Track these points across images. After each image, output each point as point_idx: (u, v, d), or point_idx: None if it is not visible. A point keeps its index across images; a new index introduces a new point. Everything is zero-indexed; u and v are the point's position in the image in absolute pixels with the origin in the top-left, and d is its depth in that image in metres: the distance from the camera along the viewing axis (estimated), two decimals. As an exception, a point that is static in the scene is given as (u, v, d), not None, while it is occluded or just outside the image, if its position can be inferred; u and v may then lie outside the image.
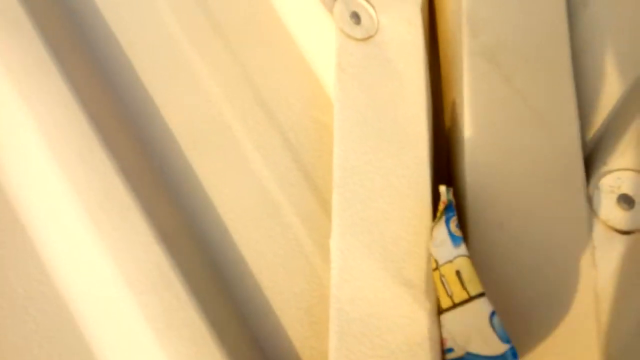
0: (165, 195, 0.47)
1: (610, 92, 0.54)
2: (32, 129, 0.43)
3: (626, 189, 0.48)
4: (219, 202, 0.49)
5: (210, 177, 0.50)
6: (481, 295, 0.40)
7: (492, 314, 0.38)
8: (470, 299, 0.41)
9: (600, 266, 0.47)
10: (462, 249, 0.42)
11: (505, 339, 0.37)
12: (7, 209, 0.44)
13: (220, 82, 0.53)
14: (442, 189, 0.48)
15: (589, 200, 0.49)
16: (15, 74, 0.44)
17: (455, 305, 0.43)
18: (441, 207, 0.48)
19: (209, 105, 0.52)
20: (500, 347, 0.37)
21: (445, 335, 0.44)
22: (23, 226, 0.43)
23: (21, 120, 0.43)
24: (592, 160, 0.51)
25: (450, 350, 0.43)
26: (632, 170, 0.48)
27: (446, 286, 0.44)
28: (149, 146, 0.49)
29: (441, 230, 0.46)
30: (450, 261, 0.43)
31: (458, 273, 0.42)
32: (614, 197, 0.48)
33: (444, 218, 0.47)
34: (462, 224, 0.53)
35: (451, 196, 0.48)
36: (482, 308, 0.39)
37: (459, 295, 0.42)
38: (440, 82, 0.66)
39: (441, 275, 0.44)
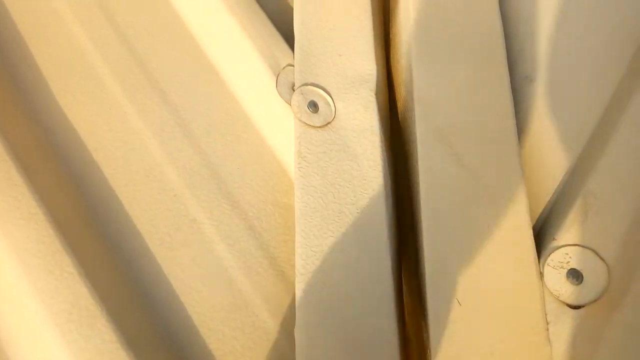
0: (133, 296, 0.49)
1: (558, 166, 0.57)
2: (1, 244, 0.45)
3: (574, 264, 0.50)
4: (186, 297, 0.51)
5: (178, 273, 0.52)
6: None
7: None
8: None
9: (555, 342, 0.49)
10: None
11: None
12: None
13: (185, 176, 0.56)
14: None
15: (541, 276, 0.51)
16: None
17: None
18: None
19: (174, 200, 0.55)
20: None
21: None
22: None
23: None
24: (542, 235, 0.54)
25: None
26: (579, 245, 0.50)
27: None
28: (116, 247, 0.51)
29: None
30: None
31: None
32: (564, 272, 0.50)
33: None
34: (422, 300, 0.55)
35: None
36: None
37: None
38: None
39: None
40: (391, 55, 0.73)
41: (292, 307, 0.53)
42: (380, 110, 0.62)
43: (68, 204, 0.50)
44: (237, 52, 0.61)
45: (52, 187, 0.50)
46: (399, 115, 0.68)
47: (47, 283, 0.44)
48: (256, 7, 0.63)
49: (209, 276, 0.52)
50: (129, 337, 0.45)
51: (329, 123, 0.60)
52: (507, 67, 0.60)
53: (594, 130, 0.57)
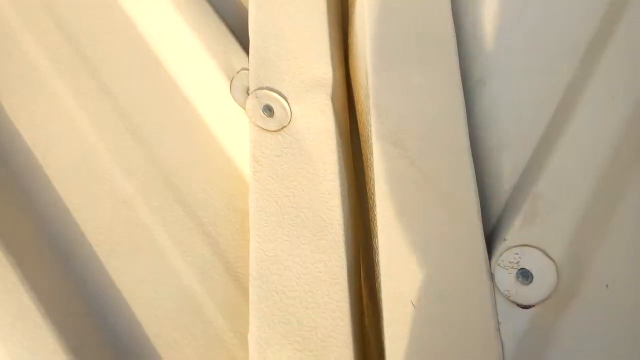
0: (82, 307, 0.48)
1: (509, 168, 0.58)
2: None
3: (524, 264, 0.51)
4: (137, 305, 0.50)
5: (128, 281, 0.51)
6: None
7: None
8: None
9: (506, 341, 0.49)
10: None
11: None
12: None
13: (136, 182, 0.55)
14: None
15: (492, 276, 0.52)
16: None
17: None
18: None
19: (125, 207, 0.54)
20: None
21: None
22: None
23: None
24: (494, 236, 0.54)
25: None
26: (529, 246, 0.51)
27: None
28: (64, 256, 0.50)
29: None
30: None
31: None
32: (514, 272, 0.51)
33: None
34: (377, 301, 0.55)
35: None
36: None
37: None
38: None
39: None
40: (350, 58, 0.74)
41: (247, 313, 0.53)
42: (337, 113, 0.62)
43: (13, 213, 0.49)
44: (190, 56, 0.60)
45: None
46: (357, 119, 0.69)
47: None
48: (210, 10, 0.63)
49: (162, 283, 0.51)
50: (75, 347, 0.44)
51: (284, 127, 0.59)
52: (459, 72, 0.61)
53: (543, 132, 0.58)
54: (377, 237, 0.56)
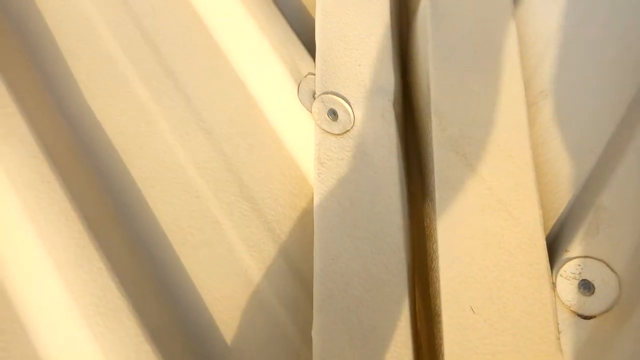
0: (156, 292, 0.51)
1: (571, 180, 0.58)
2: (34, 239, 0.47)
3: (586, 276, 0.51)
4: (207, 295, 0.53)
5: (199, 271, 0.53)
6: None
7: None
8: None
9: (566, 351, 0.50)
10: None
11: None
12: (10, 312, 0.47)
13: (208, 178, 0.58)
14: None
15: (553, 286, 0.52)
16: (17, 186, 0.49)
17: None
18: None
19: (197, 201, 0.56)
20: None
21: None
22: (24, 329, 0.47)
23: (24, 229, 0.47)
24: (555, 247, 0.55)
25: None
26: (591, 257, 0.52)
27: None
28: (141, 244, 0.53)
29: None
30: None
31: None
32: (576, 283, 0.51)
33: None
34: (436, 306, 0.56)
35: None
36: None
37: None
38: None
39: None
40: (410, 65, 0.75)
41: (309, 309, 0.55)
42: (397, 119, 0.63)
43: (97, 202, 0.52)
44: (260, 60, 0.63)
45: (82, 185, 0.51)
46: (416, 125, 0.70)
47: (76, 276, 0.46)
48: (279, 16, 0.65)
49: (229, 276, 0.54)
50: (152, 330, 0.46)
51: (347, 131, 0.61)
52: (522, 81, 0.62)
53: (606, 144, 0.58)
54: (436, 242, 0.57)
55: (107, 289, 0.46)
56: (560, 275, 0.52)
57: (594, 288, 0.51)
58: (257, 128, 0.63)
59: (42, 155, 0.50)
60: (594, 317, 0.51)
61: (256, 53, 0.64)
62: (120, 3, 0.63)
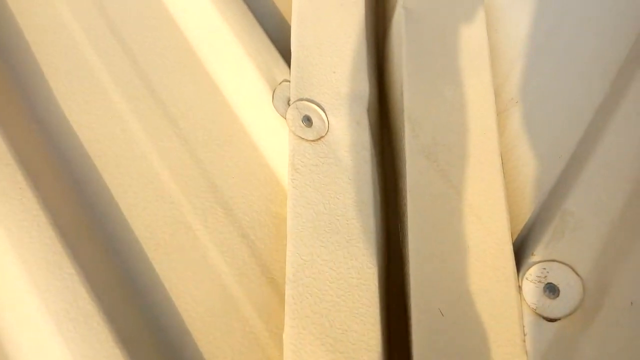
0: (129, 298, 0.51)
1: (539, 185, 0.60)
2: (5, 245, 0.47)
3: (552, 279, 0.53)
4: (180, 301, 0.53)
5: (172, 277, 0.54)
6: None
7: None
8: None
9: (531, 353, 0.51)
10: None
11: None
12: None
13: (182, 184, 0.59)
14: None
15: (519, 289, 0.54)
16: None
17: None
18: None
19: (171, 207, 0.57)
20: None
21: None
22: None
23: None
24: (522, 251, 0.56)
25: None
26: (556, 261, 0.53)
27: None
28: (114, 250, 0.53)
29: None
30: None
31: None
32: (541, 286, 0.53)
33: None
34: (406, 309, 0.57)
35: None
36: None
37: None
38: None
39: None
40: (385, 72, 0.76)
41: (282, 313, 0.55)
42: (371, 126, 0.64)
43: (69, 208, 0.52)
44: (236, 67, 0.64)
45: (54, 192, 0.52)
46: (391, 131, 0.71)
47: (47, 282, 0.46)
48: (255, 23, 0.66)
49: (203, 281, 0.54)
50: (123, 336, 0.47)
51: (322, 137, 0.62)
52: (492, 89, 0.63)
53: (573, 151, 0.60)
54: (407, 246, 0.58)
55: (78, 295, 0.47)
56: (526, 279, 0.53)
57: (559, 291, 0.52)
58: (232, 134, 0.63)
59: (15, 163, 0.50)
60: (559, 319, 0.52)
61: (232, 60, 0.64)
62: (96, 10, 0.64)
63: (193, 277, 0.55)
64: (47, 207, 0.50)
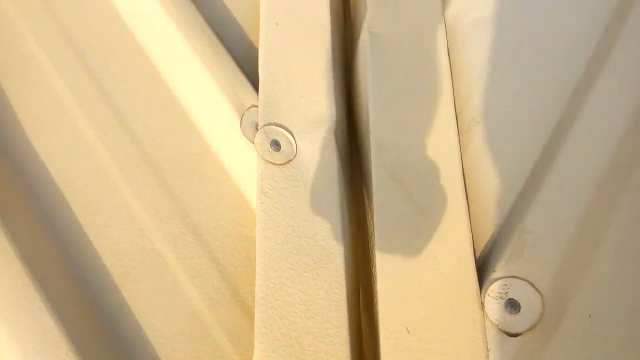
0: (98, 327, 0.52)
1: (499, 203, 0.62)
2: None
3: (512, 295, 0.54)
4: (150, 328, 0.54)
5: (142, 304, 0.55)
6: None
7: None
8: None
9: (494, 368, 0.53)
10: None
11: None
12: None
13: (151, 211, 0.59)
14: None
15: (482, 305, 0.55)
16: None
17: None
18: None
19: (140, 234, 0.58)
20: None
21: None
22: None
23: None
24: (484, 268, 0.58)
25: None
26: (516, 277, 0.55)
27: None
28: (82, 279, 0.54)
29: None
30: None
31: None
32: (503, 302, 0.55)
33: None
34: (373, 329, 0.59)
35: None
36: None
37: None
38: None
39: None
40: (352, 96, 0.78)
41: (252, 337, 0.56)
42: (339, 148, 0.66)
43: (37, 239, 0.53)
44: (204, 94, 0.65)
45: (21, 223, 0.52)
46: (359, 153, 0.73)
47: (15, 315, 0.47)
48: (223, 50, 0.67)
49: (172, 307, 0.55)
50: (93, 367, 0.47)
51: (290, 161, 0.64)
52: (454, 110, 0.66)
53: (532, 170, 0.62)
54: (375, 266, 0.60)
55: (47, 327, 0.47)
56: (488, 295, 0.55)
57: (520, 307, 0.54)
58: (201, 160, 0.64)
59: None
60: (520, 334, 0.54)
61: (200, 87, 0.66)
62: (64, 40, 0.64)
63: (163, 303, 0.55)
64: (14, 239, 0.50)
